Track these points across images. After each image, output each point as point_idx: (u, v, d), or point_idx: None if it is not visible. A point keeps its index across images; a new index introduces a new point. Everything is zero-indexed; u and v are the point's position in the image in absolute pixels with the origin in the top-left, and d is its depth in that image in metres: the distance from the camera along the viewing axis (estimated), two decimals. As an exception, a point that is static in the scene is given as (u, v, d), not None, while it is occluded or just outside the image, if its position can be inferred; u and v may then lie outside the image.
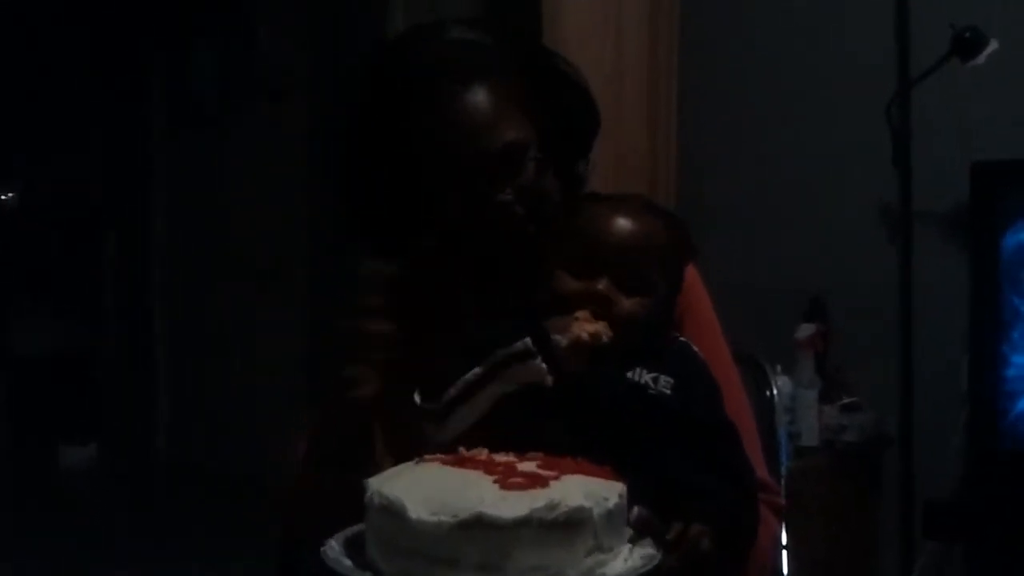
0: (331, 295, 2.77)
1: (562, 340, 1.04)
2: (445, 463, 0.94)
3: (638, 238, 1.11)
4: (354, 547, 0.92)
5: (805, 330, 2.79)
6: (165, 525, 4.43)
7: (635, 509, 0.93)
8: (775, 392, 1.63)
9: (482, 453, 0.95)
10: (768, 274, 3.01)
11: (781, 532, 1.36)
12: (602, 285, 1.08)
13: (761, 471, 1.23)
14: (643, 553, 0.91)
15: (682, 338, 1.16)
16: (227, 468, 4.66)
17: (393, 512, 0.87)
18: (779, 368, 2.50)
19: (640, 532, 0.94)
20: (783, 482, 1.48)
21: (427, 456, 0.96)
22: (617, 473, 0.94)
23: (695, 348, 1.15)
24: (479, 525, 0.84)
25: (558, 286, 1.10)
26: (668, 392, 1.06)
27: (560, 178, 1.21)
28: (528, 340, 1.03)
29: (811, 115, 3.00)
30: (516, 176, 1.14)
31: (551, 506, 0.85)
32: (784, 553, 1.50)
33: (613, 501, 0.89)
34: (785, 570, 1.52)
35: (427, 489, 0.88)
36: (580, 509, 0.86)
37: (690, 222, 1.20)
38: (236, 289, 4.97)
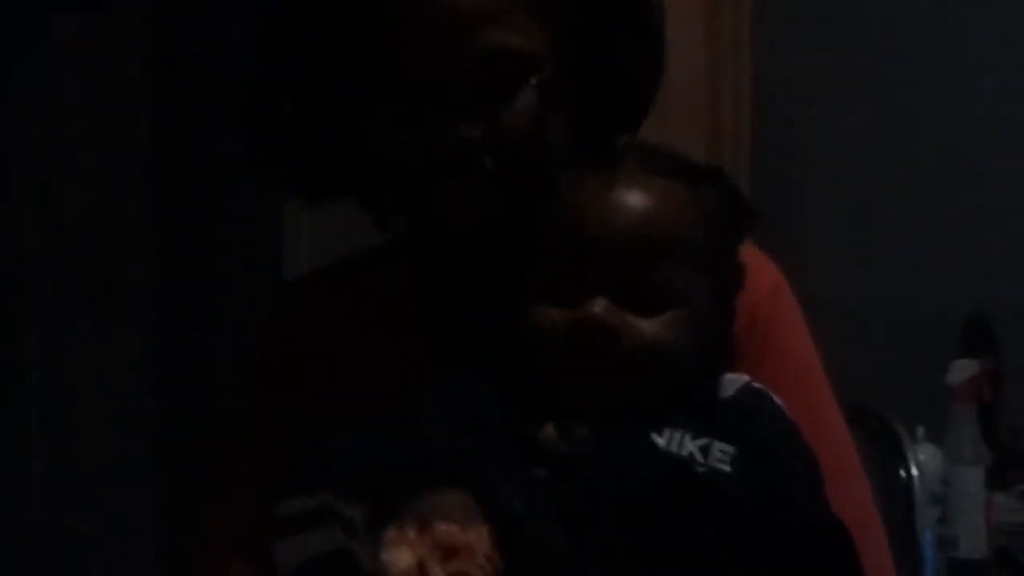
0: (187, 318, 2.91)
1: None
2: None
3: (646, 218, 1.12)
4: None
5: (962, 370, 2.71)
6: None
7: None
8: (914, 471, 1.68)
9: None
10: (899, 284, 3.04)
11: None
12: (599, 308, 1.09)
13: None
14: None
15: (753, 382, 1.16)
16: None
17: None
18: (921, 432, 2.46)
19: None
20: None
21: None
22: None
23: (775, 398, 1.15)
24: None
25: (532, 320, 1.11)
26: (726, 469, 1.07)
27: (579, 148, 1.20)
28: (328, 499, 1.07)
29: (961, 35, 2.99)
30: (497, 104, 1.13)
31: None
32: None
33: None
34: None
35: None
36: None
37: (769, 201, 1.28)
38: (41, 315, 4.96)
